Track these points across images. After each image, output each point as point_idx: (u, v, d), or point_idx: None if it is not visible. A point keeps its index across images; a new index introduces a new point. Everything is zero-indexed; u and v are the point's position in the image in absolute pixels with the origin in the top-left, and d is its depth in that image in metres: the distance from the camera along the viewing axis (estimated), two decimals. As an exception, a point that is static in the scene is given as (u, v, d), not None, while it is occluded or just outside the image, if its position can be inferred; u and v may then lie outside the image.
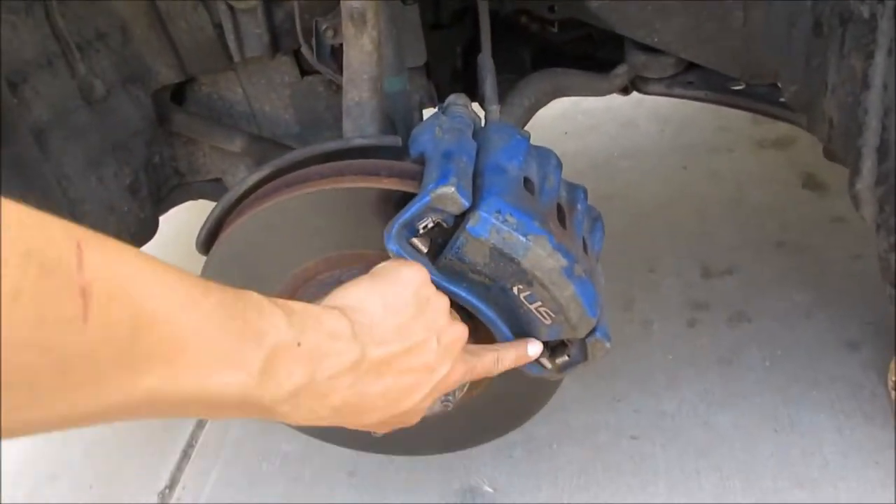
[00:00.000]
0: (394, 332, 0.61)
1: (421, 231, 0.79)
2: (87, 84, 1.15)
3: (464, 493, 1.41)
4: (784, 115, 1.32)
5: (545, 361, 0.91)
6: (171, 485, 1.54)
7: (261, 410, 0.50)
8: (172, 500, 1.51)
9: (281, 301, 0.53)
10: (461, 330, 0.71)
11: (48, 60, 1.10)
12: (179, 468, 1.58)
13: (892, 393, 1.33)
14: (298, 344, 0.51)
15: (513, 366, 0.82)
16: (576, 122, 2.42)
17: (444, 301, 0.71)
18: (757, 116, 1.93)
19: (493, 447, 1.40)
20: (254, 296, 0.50)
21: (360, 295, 0.63)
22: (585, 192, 0.95)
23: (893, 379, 1.33)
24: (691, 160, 2.17)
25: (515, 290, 0.82)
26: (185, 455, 1.60)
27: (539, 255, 0.79)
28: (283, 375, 0.50)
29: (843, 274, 1.66)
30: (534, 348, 0.84)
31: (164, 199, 1.38)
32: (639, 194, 2.05)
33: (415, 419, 0.69)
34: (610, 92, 1.44)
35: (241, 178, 1.25)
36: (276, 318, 0.50)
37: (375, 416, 0.62)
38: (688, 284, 1.74)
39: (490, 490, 1.41)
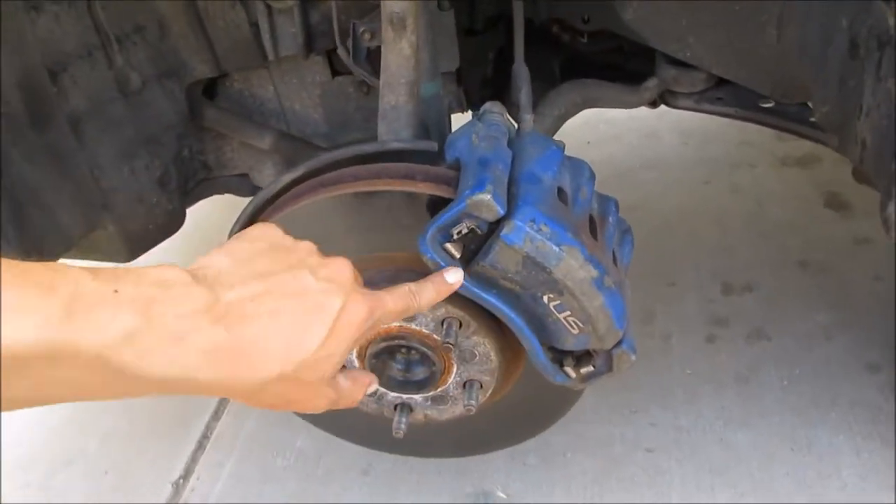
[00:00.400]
0: (248, 275, 0.57)
1: (455, 236, 0.80)
2: (123, 76, 1.17)
3: (476, 497, 1.41)
4: (813, 134, 1.31)
5: (570, 371, 0.92)
6: (186, 475, 1.56)
7: (96, 362, 0.46)
8: (186, 491, 1.52)
9: (93, 268, 0.50)
10: (341, 262, 0.64)
11: (88, 51, 1.11)
12: (194, 459, 1.59)
13: (912, 418, 1.33)
14: (115, 291, 0.48)
15: (436, 298, 0.76)
16: (598, 131, 2.42)
17: (308, 244, 0.66)
18: (781, 133, 1.93)
19: (508, 453, 1.41)
20: (56, 263, 0.48)
21: (205, 258, 0.59)
22: (617, 204, 0.96)
23: (914, 404, 1.33)
24: (714, 174, 2.17)
25: (545, 298, 0.83)
26: (200, 446, 1.61)
27: (571, 265, 0.80)
28: (104, 319, 0.46)
29: (864, 296, 1.65)
30: (452, 276, 0.79)
31: (191, 191, 1.40)
32: (661, 206, 2.05)
33: (334, 367, 0.61)
34: (639, 105, 1.44)
35: (277, 175, 1.26)
36: (75, 273, 0.47)
37: (276, 363, 0.56)
38: (708, 299, 1.74)
39: (503, 496, 1.41)
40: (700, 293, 1.76)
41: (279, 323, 0.56)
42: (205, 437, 1.63)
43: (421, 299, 0.73)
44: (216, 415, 1.67)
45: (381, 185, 0.85)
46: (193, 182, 1.40)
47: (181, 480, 1.54)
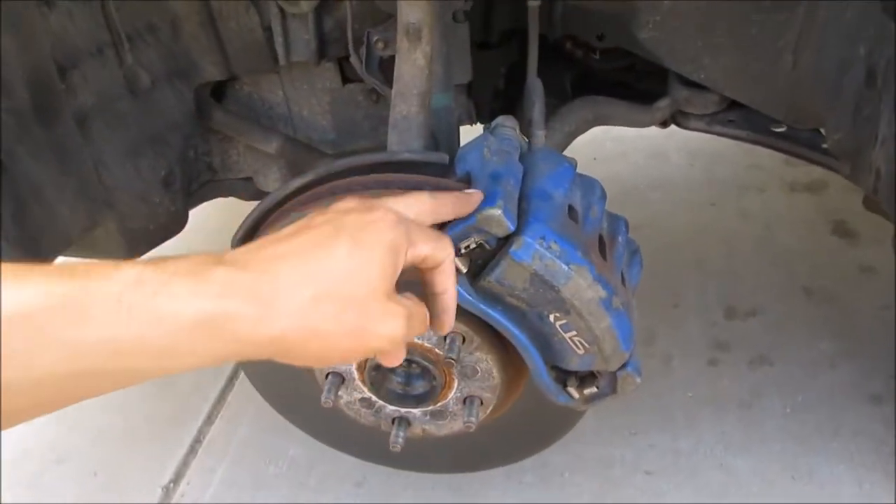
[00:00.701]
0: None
1: (462, 251, 0.78)
2: (133, 74, 1.16)
3: None
4: (825, 161, 1.30)
5: (573, 391, 0.90)
6: (176, 479, 1.54)
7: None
8: (176, 495, 1.51)
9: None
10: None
11: (98, 49, 1.11)
12: (185, 463, 1.57)
13: (915, 451, 1.31)
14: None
15: (454, 209, 0.72)
16: (605, 148, 2.41)
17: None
18: (790, 158, 1.92)
19: (505, 471, 1.39)
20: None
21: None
22: (627, 224, 0.95)
23: (918, 437, 1.31)
24: (720, 196, 2.16)
25: (552, 317, 0.82)
26: (192, 450, 1.60)
27: (580, 284, 0.78)
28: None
29: (869, 325, 1.63)
30: (472, 190, 0.76)
31: (195, 193, 1.38)
32: (666, 226, 2.03)
33: (381, 276, 0.55)
34: (650, 124, 1.43)
35: (282, 180, 1.24)
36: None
37: (308, 282, 0.52)
38: (711, 323, 1.72)
39: None
40: (703, 316, 1.74)
41: (304, 253, 0.53)
42: (197, 441, 1.61)
43: (441, 204, 0.70)
44: (209, 419, 1.66)
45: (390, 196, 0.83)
46: (198, 184, 1.39)
47: (171, 484, 1.53)
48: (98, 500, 1.51)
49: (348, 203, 0.60)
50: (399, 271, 0.58)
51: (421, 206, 0.67)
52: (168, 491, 1.51)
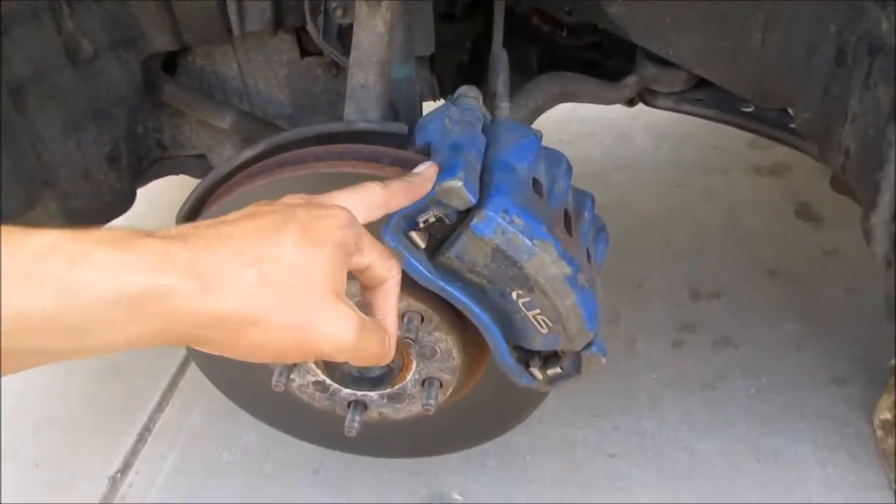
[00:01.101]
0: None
1: (421, 225, 0.74)
2: (73, 42, 1.09)
3: (432, 498, 1.36)
4: (793, 141, 1.29)
5: (536, 372, 0.87)
6: (124, 469, 1.47)
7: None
8: (124, 486, 1.44)
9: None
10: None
11: (33, 13, 1.03)
12: (134, 452, 1.50)
13: (878, 432, 1.31)
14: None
15: (406, 192, 0.67)
16: (571, 129, 2.39)
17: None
18: (754, 139, 1.91)
19: (465, 454, 1.36)
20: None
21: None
22: (593, 199, 0.92)
23: (880, 418, 1.31)
24: (686, 178, 2.14)
25: (514, 295, 0.78)
26: (142, 438, 1.53)
27: (544, 260, 0.75)
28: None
29: (834, 307, 1.63)
30: (423, 166, 0.71)
31: (144, 171, 1.32)
32: (632, 208, 2.01)
33: (329, 272, 0.51)
34: (617, 101, 1.40)
35: (233, 153, 1.19)
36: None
37: (251, 262, 0.47)
38: (675, 304, 1.71)
39: (459, 498, 1.36)
40: (668, 297, 1.73)
41: (249, 237, 0.49)
42: (146, 429, 1.55)
43: (393, 193, 0.64)
44: (160, 406, 1.59)
45: (345, 167, 0.79)
46: (147, 161, 1.32)
47: (119, 474, 1.46)
48: (41, 495, 1.43)
49: (296, 198, 0.56)
50: (345, 275, 0.53)
51: (372, 197, 0.62)
52: (115, 481, 1.45)
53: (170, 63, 1.28)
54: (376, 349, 0.55)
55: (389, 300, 0.59)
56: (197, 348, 0.48)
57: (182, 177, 1.40)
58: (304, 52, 1.27)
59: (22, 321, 0.39)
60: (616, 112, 1.82)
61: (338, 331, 0.51)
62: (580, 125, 2.40)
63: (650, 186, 2.13)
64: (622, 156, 2.28)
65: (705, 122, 1.39)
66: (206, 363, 1.14)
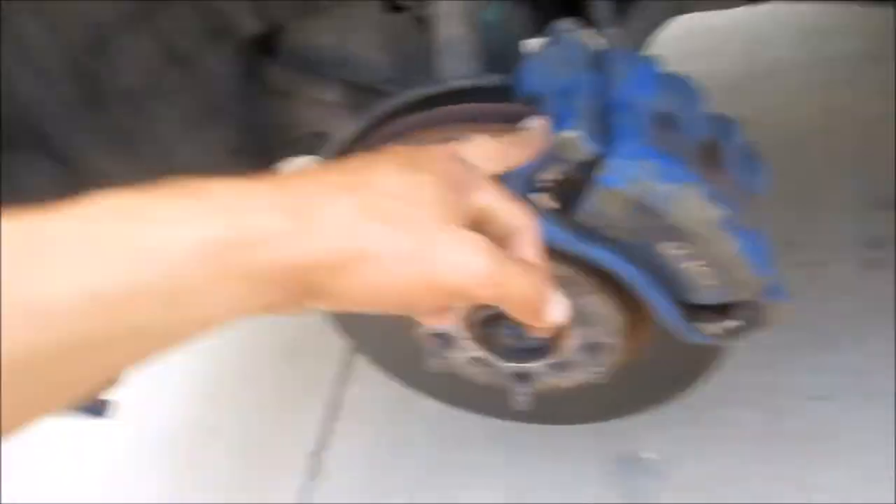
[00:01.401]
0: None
1: (543, 185, 0.66)
2: (171, 43, 1.09)
3: (623, 459, 1.30)
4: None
5: (709, 327, 0.77)
6: (321, 446, 1.52)
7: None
8: (325, 462, 1.49)
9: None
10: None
11: (129, 21, 1.03)
12: (325, 430, 1.55)
13: None
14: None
15: (523, 151, 0.56)
16: (698, 43, 2.16)
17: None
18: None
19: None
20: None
21: None
22: (738, 124, 0.78)
23: None
24: (841, 74, 1.87)
25: (664, 247, 0.68)
26: (331, 416, 1.57)
27: (689, 205, 0.64)
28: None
29: None
30: (532, 122, 0.61)
31: (269, 158, 1.32)
32: (785, 119, 1.79)
33: (436, 204, 0.42)
34: (744, 3, 1.22)
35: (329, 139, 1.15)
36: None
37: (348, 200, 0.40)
38: (857, 218, 1.51)
39: (654, 455, 1.29)
40: (847, 212, 1.53)
41: (341, 174, 0.43)
42: (335, 405, 1.59)
43: (508, 145, 0.55)
44: (342, 383, 1.63)
45: (440, 136, 0.71)
46: (269, 147, 1.32)
47: (319, 452, 1.51)
48: (247, 474, 1.51)
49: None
50: (461, 209, 0.44)
51: (484, 146, 0.51)
52: (316, 458, 1.50)
53: (269, 47, 1.26)
54: (524, 285, 0.44)
55: (528, 251, 0.48)
56: (314, 306, 0.41)
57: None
58: (396, 9, 1.20)
59: (100, 300, 0.32)
60: (744, 14, 1.60)
61: (465, 257, 0.42)
62: (708, 36, 2.16)
63: (802, 91, 1.89)
64: (764, 62, 2.03)
65: (854, 10, 1.17)
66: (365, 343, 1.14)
